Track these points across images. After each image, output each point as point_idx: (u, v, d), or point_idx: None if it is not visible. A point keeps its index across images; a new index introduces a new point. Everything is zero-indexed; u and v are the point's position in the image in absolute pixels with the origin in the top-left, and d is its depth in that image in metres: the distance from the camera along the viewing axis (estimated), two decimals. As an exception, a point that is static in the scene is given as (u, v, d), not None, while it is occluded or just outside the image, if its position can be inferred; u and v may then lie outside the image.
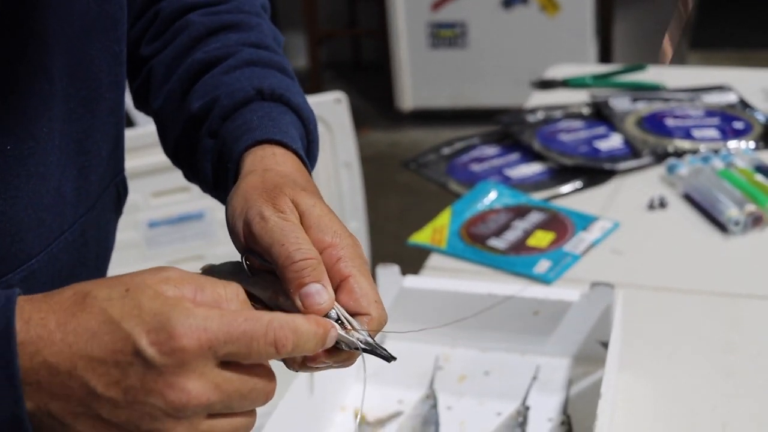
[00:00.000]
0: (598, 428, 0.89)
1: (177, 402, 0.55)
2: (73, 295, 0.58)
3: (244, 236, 0.68)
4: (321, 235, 0.66)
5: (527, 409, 1.09)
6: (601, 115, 1.85)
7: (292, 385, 1.00)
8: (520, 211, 1.52)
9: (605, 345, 1.14)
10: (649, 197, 1.53)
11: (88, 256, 0.85)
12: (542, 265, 1.36)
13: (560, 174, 1.65)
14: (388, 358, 0.64)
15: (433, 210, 1.55)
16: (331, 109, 2.13)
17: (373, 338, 0.64)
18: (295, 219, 0.67)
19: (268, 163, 0.76)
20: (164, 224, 2.12)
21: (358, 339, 0.63)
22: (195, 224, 2.14)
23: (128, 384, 0.55)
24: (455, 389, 1.15)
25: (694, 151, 1.66)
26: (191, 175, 0.88)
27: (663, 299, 1.28)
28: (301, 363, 0.63)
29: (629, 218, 1.49)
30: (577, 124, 1.82)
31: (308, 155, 0.83)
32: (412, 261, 1.44)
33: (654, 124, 1.78)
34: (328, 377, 1.11)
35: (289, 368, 0.64)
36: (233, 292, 0.59)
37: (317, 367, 0.64)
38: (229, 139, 0.81)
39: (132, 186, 1.07)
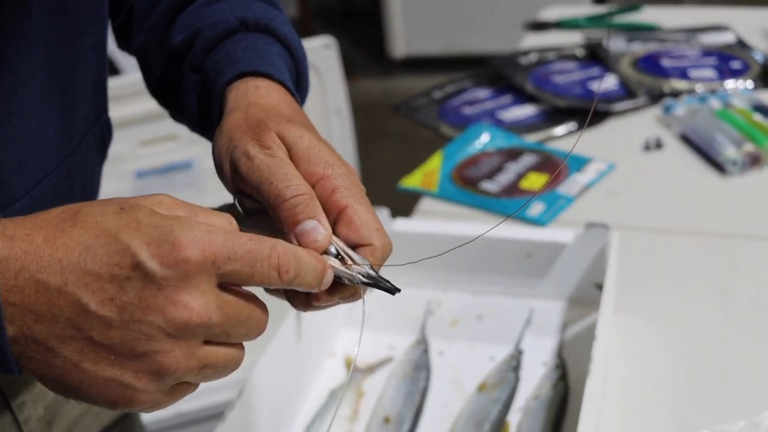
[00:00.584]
0: (592, 371, 0.87)
1: (178, 319, 0.51)
2: (62, 213, 0.54)
3: (232, 177, 0.64)
4: (312, 167, 0.63)
5: (521, 353, 1.06)
6: (595, 57, 1.81)
7: (278, 331, 0.97)
8: (513, 154, 1.48)
9: (600, 287, 1.11)
10: (644, 138, 1.49)
11: (74, 200, 0.82)
12: (536, 208, 1.33)
13: (554, 116, 1.61)
14: (392, 290, 0.62)
15: (426, 157, 1.51)
16: (320, 54, 2.08)
17: (376, 270, 0.61)
18: (282, 154, 0.63)
19: (251, 97, 0.72)
20: (152, 174, 2.08)
21: (359, 273, 0.60)
22: (183, 174, 2.10)
23: (125, 300, 0.51)
24: (447, 334, 1.12)
25: (691, 92, 1.62)
26: (177, 114, 0.85)
27: (660, 241, 1.25)
28: (306, 302, 0.61)
29: (625, 160, 1.45)
30: (571, 65, 1.78)
31: (297, 87, 0.79)
32: (407, 209, 1.40)
33: (650, 64, 1.74)
34: (316, 323, 1.08)
35: (296, 308, 0.62)
36: (227, 220, 0.56)
37: (325, 305, 0.61)
38: (212, 72, 0.76)
39: (118, 135, 1.04)
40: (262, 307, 0.57)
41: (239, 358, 0.56)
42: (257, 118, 0.67)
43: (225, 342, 0.55)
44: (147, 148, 2.05)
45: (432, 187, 1.42)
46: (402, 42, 4.16)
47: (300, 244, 0.59)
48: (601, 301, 0.96)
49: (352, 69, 4.32)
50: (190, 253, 0.51)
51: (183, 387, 0.55)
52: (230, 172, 0.64)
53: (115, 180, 1.94)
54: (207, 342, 0.54)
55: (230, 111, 0.71)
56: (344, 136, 2.21)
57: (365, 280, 0.60)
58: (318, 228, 0.60)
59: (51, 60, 0.73)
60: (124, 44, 0.91)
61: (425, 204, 1.40)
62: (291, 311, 0.98)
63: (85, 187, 0.85)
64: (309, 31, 4.24)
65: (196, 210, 0.56)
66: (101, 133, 0.87)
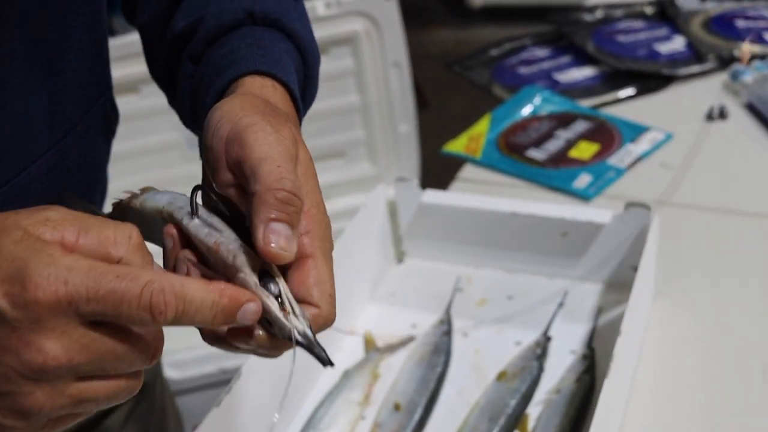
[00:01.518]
0: (612, 370, 0.80)
1: (33, 363, 0.46)
2: None
3: (225, 146, 0.57)
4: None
5: (548, 339, 1.00)
6: (665, 15, 1.70)
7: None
8: (565, 119, 1.40)
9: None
10: (708, 107, 1.40)
11: (72, 183, 0.78)
12: (582, 180, 1.26)
13: (613, 79, 1.52)
14: (325, 362, 0.52)
15: (482, 112, 1.44)
16: (379, 6, 2.01)
17: (314, 333, 0.53)
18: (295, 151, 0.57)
19: (255, 91, 0.65)
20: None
21: (296, 328, 0.51)
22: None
23: None
24: (474, 314, 1.07)
25: (763, 57, 1.51)
26: (172, 100, 0.78)
27: (712, 221, 1.17)
28: (215, 337, 0.53)
29: (684, 130, 1.36)
30: (638, 24, 1.68)
31: (303, 95, 0.71)
32: (456, 167, 1.34)
33: (722, 25, 1.62)
34: (338, 297, 1.03)
35: (203, 340, 0.55)
36: (124, 235, 0.49)
37: (236, 347, 0.53)
38: (211, 69, 0.69)
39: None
40: (153, 333, 0.50)
41: (129, 387, 0.50)
42: (269, 106, 0.60)
43: (104, 376, 0.49)
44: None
45: (476, 153, 1.35)
46: (479, -10, 4.04)
47: (263, 241, 0.52)
48: (630, 295, 0.88)
49: (428, 18, 4.23)
50: (40, 294, 0.45)
51: (67, 418, 0.50)
52: (225, 139, 0.57)
53: (169, 131, 1.90)
54: (81, 378, 0.48)
55: (240, 93, 0.64)
56: (404, 91, 2.14)
57: (299, 338, 0.51)
58: (291, 240, 0.52)
59: (36, 43, 0.68)
60: (129, 18, 0.85)
61: (468, 171, 1.33)
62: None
63: (86, 170, 0.80)
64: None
65: (88, 226, 0.49)
66: (104, 113, 0.82)
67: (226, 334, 0.53)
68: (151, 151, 1.87)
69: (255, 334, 0.52)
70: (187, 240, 0.55)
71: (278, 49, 0.69)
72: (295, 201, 0.53)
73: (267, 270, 0.53)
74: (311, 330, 0.52)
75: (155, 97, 1.78)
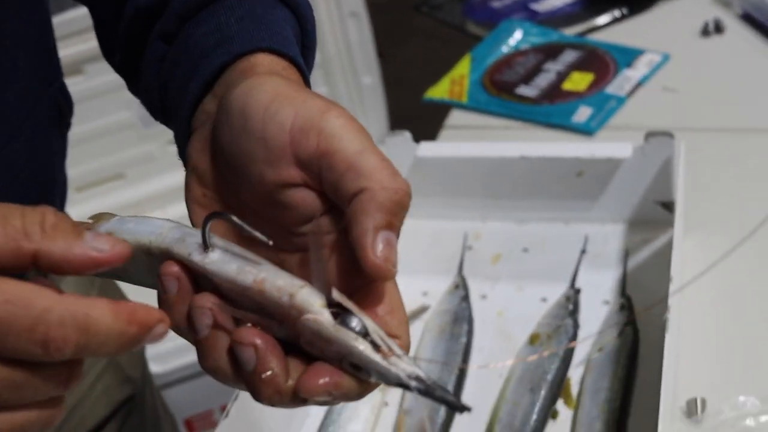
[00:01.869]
0: (670, 327, 0.70)
1: None
2: None
3: (292, 136, 0.45)
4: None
5: (577, 292, 0.90)
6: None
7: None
8: (552, 51, 1.30)
9: (666, 206, 0.95)
10: (702, 21, 1.30)
11: (25, 189, 0.66)
12: (582, 113, 1.15)
13: (595, 3, 1.41)
14: (459, 407, 0.40)
15: (458, 56, 1.33)
16: (328, -49, 1.89)
17: (428, 375, 0.41)
18: None
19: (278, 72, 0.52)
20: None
21: (404, 370, 0.40)
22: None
23: None
24: (489, 273, 0.96)
25: (752, -38, 1.41)
26: (133, 88, 0.65)
27: (727, 141, 1.08)
28: (282, 398, 0.42)
29: (681, 48, 1.26)
30: (612, -59, 1.57)
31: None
32: (438, 116, 1.23)
33: (701, -67, 1.52)
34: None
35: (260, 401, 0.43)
36: (34, 221, 0.38)
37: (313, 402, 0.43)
38: (192, 49, 0.55)
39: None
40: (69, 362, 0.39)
41: (44, 418, 0.40)
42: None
43: (7, 407, 0.38)
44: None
45: (461, 97, 1.24)
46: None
47: (372, 257, 0.42)
48: (672, 237, 0.79)
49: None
50: None
51: None
52: (290, 129, 0.45)
53: (122, 110, 1.76)
54: None
55: (265, 73, 0.51)
56: (364, 41, 2.02)
57: (414, 383, 0.40)
58: (396, 253, 0.42)
59: None
60: None
61: (455, 117, 1.22)
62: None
63: (38, 172, 0.69)
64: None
65: None
66: (55, 105, 0.70)
67: (300, 387, 0.41)
68: (104, 134, 1.74)
69: (343, 384, 0.42)
70: (195, 279, 0.44)
71: (275, 18, 0.56)
72: (408, 204, 0.43)
73: (331, 301, 0.41)
74: (418, 367, 0.41)
75: (102, 76, 1.66)
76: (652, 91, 1.19)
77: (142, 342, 0.39)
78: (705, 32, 1.29)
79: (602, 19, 1.36)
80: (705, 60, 1.24)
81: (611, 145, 0.95)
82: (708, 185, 1.01)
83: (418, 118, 1.28)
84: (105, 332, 0.38)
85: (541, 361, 0.82)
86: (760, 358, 0.80)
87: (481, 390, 0.83)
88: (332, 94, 2.04)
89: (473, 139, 1.16)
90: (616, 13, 1.37)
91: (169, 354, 1.64)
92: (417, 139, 1.02)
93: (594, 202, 0.98)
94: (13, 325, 0.36)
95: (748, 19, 1.29)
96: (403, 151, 1.00)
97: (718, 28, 1.28)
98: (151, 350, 1.53)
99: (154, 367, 1.60)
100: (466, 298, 0.92)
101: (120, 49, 0.63)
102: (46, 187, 0.72)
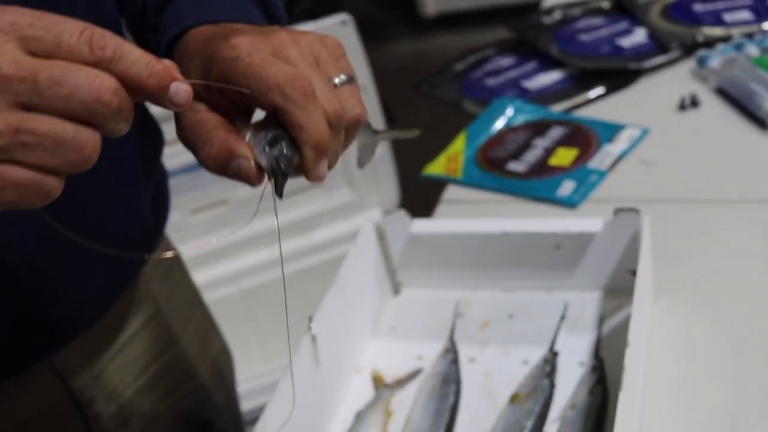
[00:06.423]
0: (625, 381, 0.80)
1: None
2: None
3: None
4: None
5: (555, 355, 1.00)
6: (622, 8, 1.71)
7: (294, 356, 0.92)
8: (540, 128, 1.40)
9: (635, 274, 1.05)
10: (679, 96, 1.40)
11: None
12: (566, 187, 1.26)
13: (582, 80, 1.53)
14: (280, 192, 0.60)
15: (466, 121, 1.44)
16: (337, 32, 2.01)
17: (285, 166, 0.60)
18: None
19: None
20: (182, 173, 2.04)
21: (271, 152, 0.59)
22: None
23: None
24: (478, 338, 1.06)
25: (726, 39, 1.52)
26: None
27: (700, 213, 1.17)
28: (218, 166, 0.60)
29: (659, 122, 1.37)
30: (598, 21, 1.69)
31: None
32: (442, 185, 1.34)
33: (681, 11, 1.64)
34: (339, 336, 1.03)
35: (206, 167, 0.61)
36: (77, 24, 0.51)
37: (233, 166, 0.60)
38: (159, 34, 0.73)
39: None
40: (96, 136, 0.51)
41: (73, 135, 0.50)
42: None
43: (47, 110, 0.49)
44: (173, 146, 2.01)
45: (456, 173, 1.35)
46: (432, -1, 4.05)
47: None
48: (632, 302, 0.88)
49: (382, 32, 4.22)
50: None
51: (13, 169, 0.50)
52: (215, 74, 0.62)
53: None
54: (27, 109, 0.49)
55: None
56: (372, 113, 2.14)
57: (263, 159, 0.59)
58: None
59: None
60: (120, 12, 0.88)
61: (451, 192, 1.33)
62: (304, 337, 0.93)
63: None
64: (338, -2, 4.14)
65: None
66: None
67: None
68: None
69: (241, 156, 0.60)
70: None
71: (233, 3, 0.72)
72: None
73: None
74: (283, 161, 0.60)
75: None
76: (631, 164, 1.29)
77: (169, 88, 0.52)
78: (682, 106, 1.39)
79: (587, 95, 1.47)
80: (681, 133, 1.34)
81: (584, 221, 1.06)
82: (678, 254, 1.10)
83: (424, 185, 1.38)
84: (136, 55, 0.51)
85: (520, 418, 0.92)
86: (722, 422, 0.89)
87: (468, 445, 0.93)
88: (344, 165, 2.16)
89: (467, 214, 1.27)
90: (600, 89, 1.48)
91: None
92: (417, 208, 1.13)
93: (572, 272, 1.08)
94: (68, 25, 0.49)
95: (722, 93, 1.39)
96: (399, 228, 1.10)
97: (694, 103, 1.39)
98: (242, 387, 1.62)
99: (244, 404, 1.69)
100: (455, 361, 1.01)
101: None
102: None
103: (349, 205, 2.18)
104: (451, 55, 1.72)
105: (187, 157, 2.10)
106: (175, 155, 1.98)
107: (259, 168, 0.60)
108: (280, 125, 0.61)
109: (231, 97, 0.62)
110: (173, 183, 2.05)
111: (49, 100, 0.48)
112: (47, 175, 0.50)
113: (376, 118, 2.16)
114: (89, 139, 0.50)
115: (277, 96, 0.59)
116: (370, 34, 4.09)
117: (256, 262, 2.11)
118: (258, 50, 0.61)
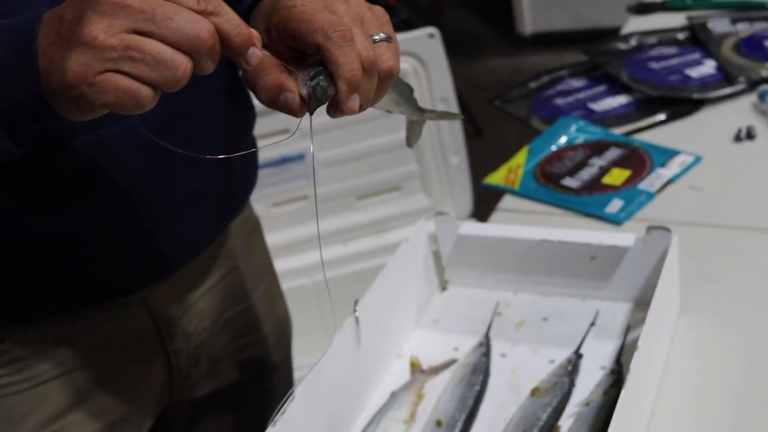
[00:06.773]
0: (629, 381, 0.87)
1: None
2: None
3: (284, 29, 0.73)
4: None
5: (579, 357, 1.07)
6: (697, 40, 1.77)
7: (336, 336, 1.01)
8: (599, 148, 1.48)
9: (665, 289, 1.12)
10: (737, 127, 1.46)
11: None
12: (614, 205, 1.33)
13: (647, 105, 1.59)
14: (310, 109, 0.71)
15: (524, 141, 1.53)
16: (424, 44, 2.11)
17: (318, 92, 0.70)
18: None
19: None
20: (267, 166, 2.16)
21: (310, 81, 0.70)
22: (296, 165, 2.18)
23: None
24: (512, 336, 1.15)
25: (791, 76, 1.57)
26: None
27: (737, 238, 1.23)
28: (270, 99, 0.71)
29: (713, 152, 1.43)
30: (671, 50, 1.75)
31: None
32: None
33: (752, 47, 1.69)
34: (384, 324, 1.12)
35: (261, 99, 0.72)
36: None
37: (269, 91, 0.71)
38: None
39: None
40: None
41: (172, 57, 0.62)
42: None
43: (156, 37, 0.62)
44: (262, 140, 2.14)
45: (514, 184, 1.43)
46: (529, 18, 4.12)
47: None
48: (648, 311, 0.96)
49: (480, 47, 4.31)
50: None
51: (117, 76, 0.62)
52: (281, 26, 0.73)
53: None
54: (139, 34, 0.62)
55: None
56: (453, 125, 2.23)
57: (305, 90, 0.70)
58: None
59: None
60: None
61: (506, 202, 1.41)
62: (348, 318, 1.03)
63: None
64: (438, 8, 4.25)
65: None
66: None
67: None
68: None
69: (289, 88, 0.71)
70: None
71: None
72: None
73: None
74: (317, 91, 0.71)
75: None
76: (680, 188, 1.36)
77: (248, 48, 0.67)
78: (738, 138, 1.45)
79: (648, 120, 1.54)
80: (733, 163, 1.40)
81: (618, 235, 1.13)
82: (711, 275, 1.16)
83: (494, 194, 1.47)
84: (232, 15, 0.65)
85: (537, 410, 1.00)
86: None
87: (488, 429, 1.01)
88: (422, 171, 2.25)
89: (519, 222, 1.35)
90: (661, 116, 1.54)
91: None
92: (484, 215, 1.22)
93: (606, 282, 1.15)
94: None
95: (779, 127, 1.45)
96: (448, 228, 1.19)
97: (750, 135, 1.44)
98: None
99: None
100: (486, 354, 1.10)
101: None
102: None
103: (423, 211, 2.27)
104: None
105: (272, 152, 2.21)
106: (262, 151, 2.11)
107: (303, 101, 0.71)
108: (323, 65, 0.71)
109: (287, 42, 0.74)
110: (259, 175, 2.19)
111: (160, 29, 0.62)
112: (144, 85, 0.63)
113: (456, 131, 2.25)
114: (183, 63, 0.63)
115: (321, 36, 0.70)
116: (469, 48, 4.20)
117: (330, 257, 2.22)
118: (311, 2, 0.73)
